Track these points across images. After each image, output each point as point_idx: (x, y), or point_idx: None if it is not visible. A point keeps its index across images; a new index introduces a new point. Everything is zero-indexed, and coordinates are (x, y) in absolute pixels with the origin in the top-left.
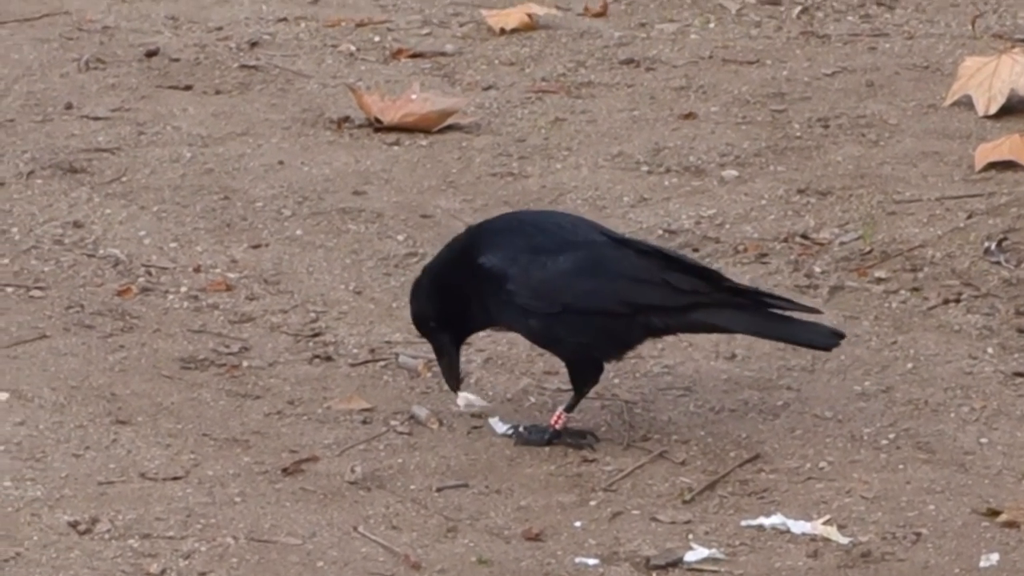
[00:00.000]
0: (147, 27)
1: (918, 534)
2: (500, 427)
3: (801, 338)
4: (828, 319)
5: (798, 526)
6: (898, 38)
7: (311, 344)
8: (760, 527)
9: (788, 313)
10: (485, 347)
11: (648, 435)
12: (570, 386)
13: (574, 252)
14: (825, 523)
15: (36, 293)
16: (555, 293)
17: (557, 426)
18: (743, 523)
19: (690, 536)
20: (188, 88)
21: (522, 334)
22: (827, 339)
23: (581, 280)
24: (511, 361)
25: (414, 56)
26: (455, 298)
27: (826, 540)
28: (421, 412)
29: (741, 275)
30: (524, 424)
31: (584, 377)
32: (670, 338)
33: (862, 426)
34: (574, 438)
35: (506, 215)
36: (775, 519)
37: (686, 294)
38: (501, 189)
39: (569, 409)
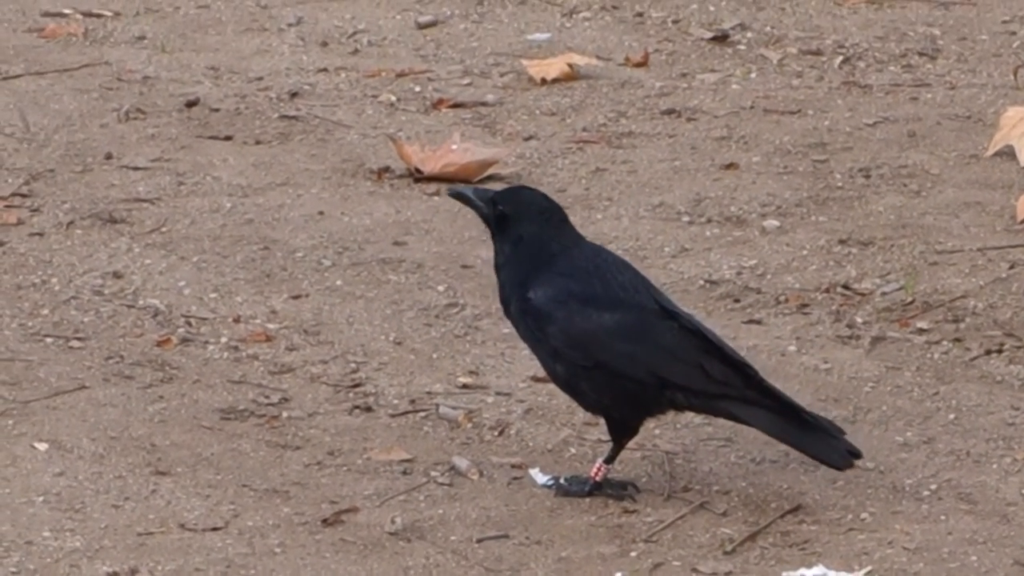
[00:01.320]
0: (187, 77)
1: None
2: (541, 478)
3: (818, 452)
4: (854, 429)
5: None
6: (940, 88)
7: (351, 395)
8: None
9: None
10: (525, 398)
11: (689, 486)
12: (607, 437)
13: (623, 312)
14: (867, 574)
15: (75, 343)
16: (592, 347)
17: (597, 478)
18: (784, 574)
19: None
20: (228, 138)
21: (545, 371)
22: (842, 459)
23: (620, 342)
24: (551, 412)
25: (455, 106)
26: None
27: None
28: (462, 463)
29: (783, 326)
30: (564, 476)
31: (622, 430)
32: None
33: (904, 477)
34: (615, 489)
35: (584, 251)
36: (817, 570)
37: (717, 383)
38: None
39: (609, 461)
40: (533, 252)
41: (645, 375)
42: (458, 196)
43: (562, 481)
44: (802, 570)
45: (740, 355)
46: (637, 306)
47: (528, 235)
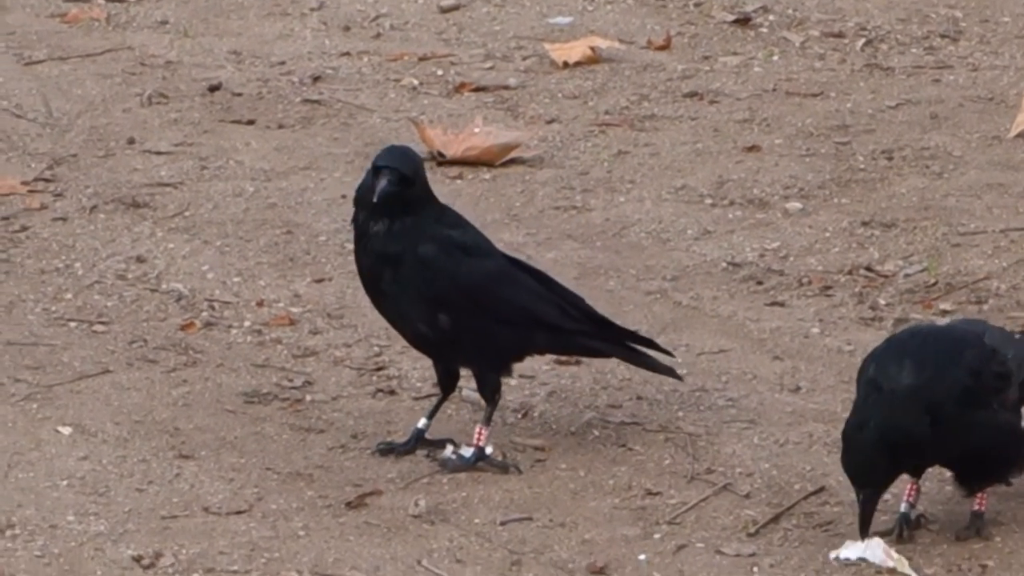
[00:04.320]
0: (210, 62)
1: (984, 566)
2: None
3: (664, 370)
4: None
5: (875, 556)
6: (962, 70)
7: (374, 378)
8: (839, 559)
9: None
10: (548, 381)
11: (712, 468)
12: (631, 419)
13: (496, 260)
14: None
15: (99, 328)
16: (477, 294)
17: (480, 443)
18: (832, 555)
19: (755, 569)
20: (251, 123)
21: (418, 332)
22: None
23: (500, 287)
24: (574, 395)
25: (477, 90)
26: None
27: (891, 571)
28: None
29: (806, 308)
30: (458, 449)
31: (493, 385)
32: (734, 371)
33: None
34: (497, 464)
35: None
36: (853, 550)
37: (574, 320)
38: (564, 222)
39: (486, 422)
40: (423, 208)
41: (520, 318)
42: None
43: (451, 455)
44: (837, 551)
45: (572, 292)
46: (501, 254)
47: (421, 193)
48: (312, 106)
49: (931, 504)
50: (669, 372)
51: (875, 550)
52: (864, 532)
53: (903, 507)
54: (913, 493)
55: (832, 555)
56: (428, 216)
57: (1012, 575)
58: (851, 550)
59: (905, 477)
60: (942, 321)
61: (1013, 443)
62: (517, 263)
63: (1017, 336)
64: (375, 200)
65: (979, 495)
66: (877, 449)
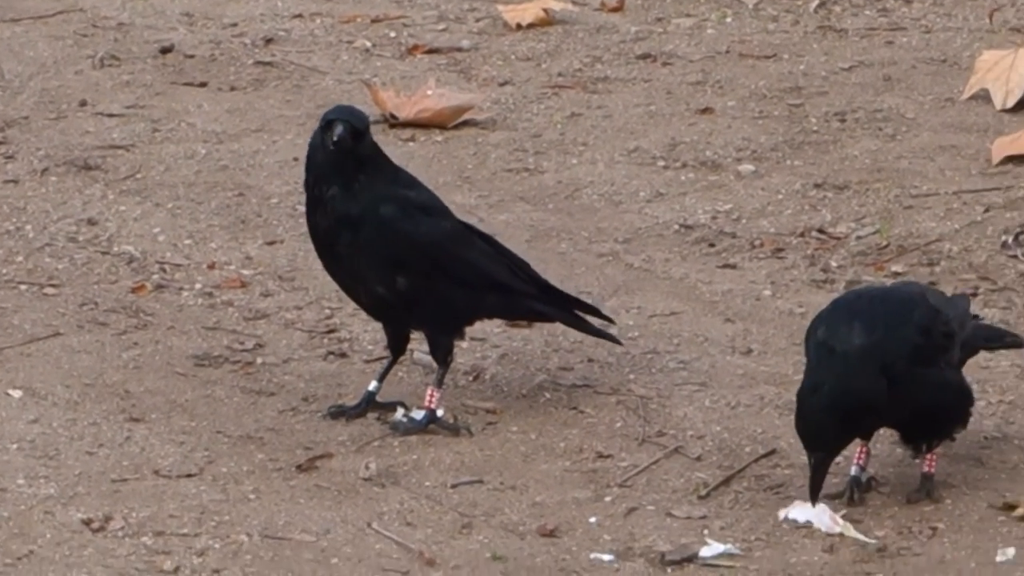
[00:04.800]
0: (162, 24)
1: (934, 528)
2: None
3: (606, 335)
4: None
5: (823, 522)
6: (915, 32)
7: (326, 341)
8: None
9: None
10: (500, 343)
11: (663, 431)
12: (582, 382)
13: (452, 220)
14: (843, 517)
15: (50, 291)
16: (434, 252)
17: (432, 405)
18: (781, 514)
19: (706, 531)
20: (203, 85)
21: (375, 294)
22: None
23: (456, 247)
24: (526, 357)
25: (430, 52)
26: None
27: (842, 535)
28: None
29: (757, 270)
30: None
31: (445, 347)
32: (686, 334)
33: None
34: (448, 427)
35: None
36: (797, 511)
37: (523, 282)
38: (517, 184)
39: (438, 384)
40: (377, 169)
41: (475, 278)
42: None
43: (402, 418)
44: (786, 511)
45: (519, 257)
46: (453, 215)
47: (372, 153)
48: (264, 68)
49: (881, 467)
50: (610, 338)
51: (822, 516)
52: (815, 496)
53: (853, 470)
54: (863, 456)
55: (781, 514)
56: (384, 177)
57: (962, 537)
58: (800, 512)
59: (855, 440)
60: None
61: (958, 400)
62: (467, 226)
63: (950, 296)
64: (332, 147)
65: (928, 457)
66: (831, 412)
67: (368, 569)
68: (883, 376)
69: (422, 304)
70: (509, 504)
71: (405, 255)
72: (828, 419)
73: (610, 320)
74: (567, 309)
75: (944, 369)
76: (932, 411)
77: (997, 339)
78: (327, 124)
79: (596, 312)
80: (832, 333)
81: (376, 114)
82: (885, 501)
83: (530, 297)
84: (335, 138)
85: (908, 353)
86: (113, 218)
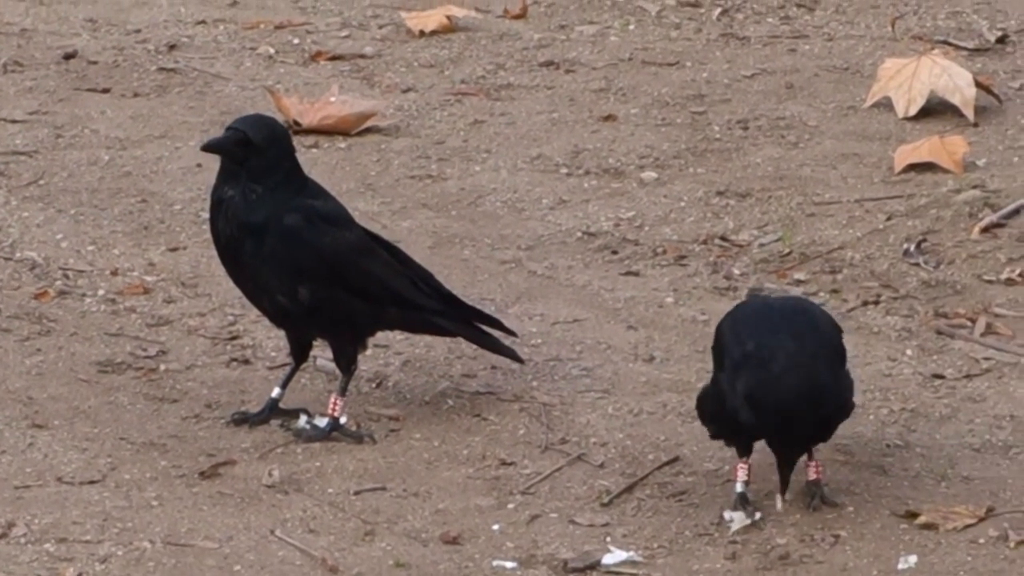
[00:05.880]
0: (65, 30)
1: (836, 536)
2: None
3: (507, 351)
4: None
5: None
6: (818, 40)
7: (229, 347)
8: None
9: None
10: (403, 350)
11: (566, 438)
12: (485, 389)
13: (356, 231)
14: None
15: None
16: (338, 265)
17: (335, 413)
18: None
19: (608, 539)
20: (106, 91)
21: (277, 304)
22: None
23: (360, 258)
24: (429, 364)
25: (333, 58)
26: None
27: (745, 543)
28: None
29: (660, 277)
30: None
31: (349, 355)
32: (588, 341)
33: None
34: (351, 435)
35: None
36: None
37: (426, 297)
38: (420, 191)
39: (342, 393)
40: (286, 178)
41: (377, 291)
42: (208, 148)
43: (306, 425)
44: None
45: (423, 268)
46: (359, 226)
47: (277, 163)
48: (168, 74)
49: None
50: (511, 355)
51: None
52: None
53: (739, 487)
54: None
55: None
56: (291, 186)
57: (864, 545)
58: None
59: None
60: (796, 291)
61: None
62: (372, 236)
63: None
64: (202, 146)
65: (814, 464)
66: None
67: None
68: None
69: (323, 315)
70: (412, 511)
71: (308, 265)
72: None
73: (513, 333)
74: (470, 323)
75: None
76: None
77: None
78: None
79: (499, 325)
80: (764, 346)
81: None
82: (787, 508)
83: (432, 312)
84: (207, 141)
85: (840, 355)
86: (16, 224)
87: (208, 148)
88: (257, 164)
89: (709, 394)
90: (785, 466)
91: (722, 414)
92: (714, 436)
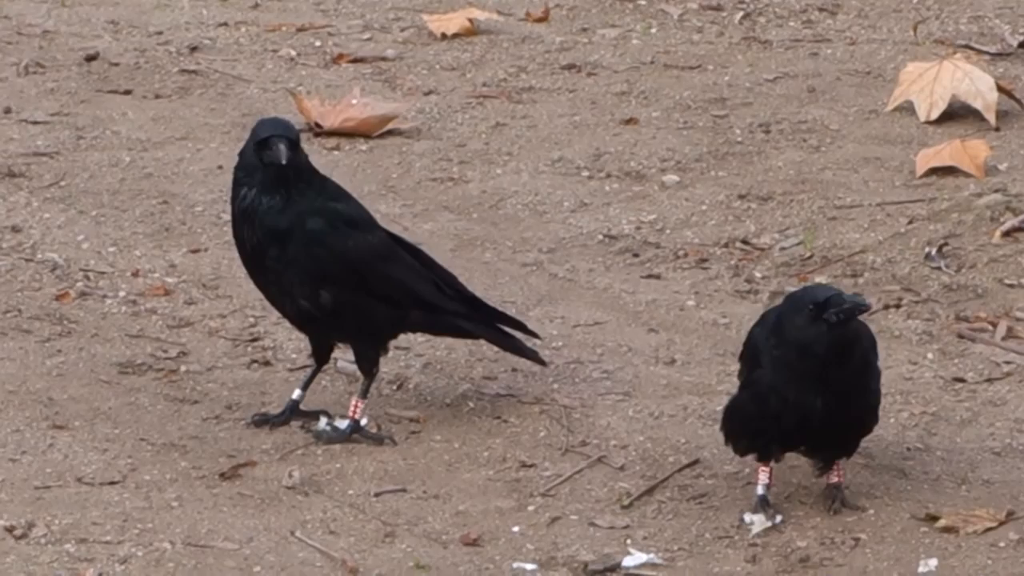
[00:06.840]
0: (87, 31)
1: (857, 539)
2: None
3: (530, 353)
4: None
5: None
6: (840, 44)
7: (249, 349)
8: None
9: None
10: (424, 352)
11: (587, 440)
12: (506, 391)
13: (378, 234)
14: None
15: None
16: (361, 268)
17: (356, 415)
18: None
19: (628, 541)
20: (128, 92)
21: (300, 308)
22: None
23: (381, 263)
24: (450, 366)
25: (355, 61)
26: None
27: (765, 545)
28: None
29: (682, 281)
30: (333, 421)
31: (370, 359)
32: (610, 344)
33: None
34: (371, 437)
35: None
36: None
37: (449, 299)
38: (441, 194)
39: (363, 396)
40: (307, 180)
41: (401, 293)
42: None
43: (326, 427)
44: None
45: (446, 270)
46: (382, 229)
47: (303, 164)
48: (189, 76)
49: (804, 476)
50: (534, 356)
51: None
52: None
53: (760, 489)
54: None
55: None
56: (313, 189)
57: (884, 548)
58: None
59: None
60: None
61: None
62: (395, 238)
63: None
64: (283, 163)
65: (836, 467)
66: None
67: None
68: None
69: (346, 318)
70: (432, 513)
71: (330, 269)
72: None
73: (536, 335)
74: (492, 325)
75: None
76: None
77: None
78: (264, 141)
79: (522, 327)
80: None
81: (301, 123)
82: (808, 511)
83: (455, 315)
84: (283, 160)
85: None
86: (37, 225)
87: (290, 162)
88: (297, 168)
89: (741, 401)
90: (822, 463)
91: (760, 418)
92: (743, 452)
